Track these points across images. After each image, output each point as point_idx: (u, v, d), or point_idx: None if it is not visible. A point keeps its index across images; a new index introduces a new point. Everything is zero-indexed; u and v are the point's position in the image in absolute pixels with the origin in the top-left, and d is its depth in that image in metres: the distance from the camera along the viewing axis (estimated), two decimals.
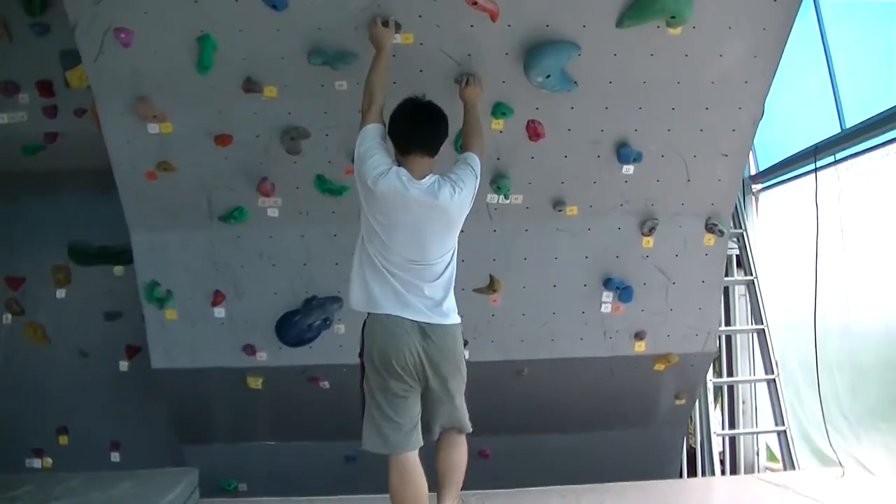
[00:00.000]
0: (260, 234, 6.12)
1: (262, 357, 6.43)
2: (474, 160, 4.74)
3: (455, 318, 4.72)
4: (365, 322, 4.72)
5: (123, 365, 7.47)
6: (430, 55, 5.23)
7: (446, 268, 4.67)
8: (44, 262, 7.48)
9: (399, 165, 4.52)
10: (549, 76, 5.29)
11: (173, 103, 5.57)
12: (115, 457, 7.64)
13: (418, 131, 4.56)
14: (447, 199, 4.50)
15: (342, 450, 6.92)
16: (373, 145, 4.56)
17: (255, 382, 6.56)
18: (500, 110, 5.55)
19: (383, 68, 4.86)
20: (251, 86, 5.45)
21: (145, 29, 5.25)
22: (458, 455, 5.02)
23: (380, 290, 4.61)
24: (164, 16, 5.20)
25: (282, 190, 5.94)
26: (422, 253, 4.55)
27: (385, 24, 4.97)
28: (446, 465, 5.00)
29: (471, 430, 4.94)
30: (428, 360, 4.62)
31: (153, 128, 5.65)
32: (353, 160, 5.34)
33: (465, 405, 4.88)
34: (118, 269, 7.32)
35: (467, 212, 4.65)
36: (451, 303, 4.70)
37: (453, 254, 4.71)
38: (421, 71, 5.10)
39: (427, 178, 4.52)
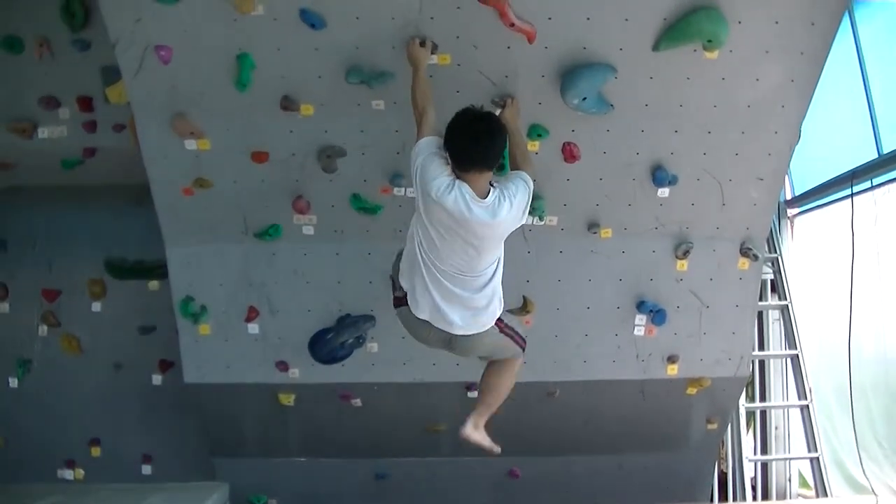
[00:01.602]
0: (295, 251, 6.14)
1: (294, 374, 6.45)
2: (527, 177, 4.69)
3: (491, 321, 4.82)
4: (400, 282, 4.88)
5: (156, 378, 7.53)
6: (467, 76, 5.24)
7: (492, 276, 4.72)
8: (80, 276, 7.55)
9: (458, 178, 4.49)
10: (585, 98, 5.29)
11: (211, 120, 5.62)
12: (146, 469, 7.66)
13: (477, 148, 4.45)
14: (504, 216, 4.49)
15: (373, 467, 6.99)
16: (429, 157, 4.51)
17: (287, 399, 6.58)
18: (535, 132, 5.54)
19: (422, 83, 4.85)
20: (288, 104, 5.49)
21: (185, 46, 5.30)
22: (496, 378, 5.19)
23: (421, 295, 4.73)
24: (203, 34, 5.24)
25: (317, 208, 5.96)
26: (471, 266, 4.62)
27: (422, 44, 4.99)
28: (483, 385, 5.26)
29: (522, 354, 5.10)
30: (455, 350, 5.00)
31: (190, 144, 5.70)
32: (389, 180, 5.40)
33: (506, 341, 4.99)
34: (153, 284, 7.38)
35: (520, 222, 4.65)
36: (493, 306, 4.79)
37: (500, 261, 4.76)
38: (458, 92, 5.11)
39: (490, 195, 4.48)
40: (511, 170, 4.90)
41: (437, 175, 4.44)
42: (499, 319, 4.86)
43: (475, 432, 5.19)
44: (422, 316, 4.77)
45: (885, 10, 7.07)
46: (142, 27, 5.22)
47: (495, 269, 4.72)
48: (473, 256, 4.58)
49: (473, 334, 4.79)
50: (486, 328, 4.79)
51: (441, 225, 4.53)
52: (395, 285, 4.98)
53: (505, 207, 4.48)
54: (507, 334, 4.96)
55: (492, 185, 4.52)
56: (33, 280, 7.58)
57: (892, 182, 6.96)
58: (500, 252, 4.72)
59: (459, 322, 4.72)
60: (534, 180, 4.72)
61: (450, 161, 4.48)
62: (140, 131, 5.73)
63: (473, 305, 4.70)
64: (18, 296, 7.62)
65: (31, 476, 7.37)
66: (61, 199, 7.45)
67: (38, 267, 7.59)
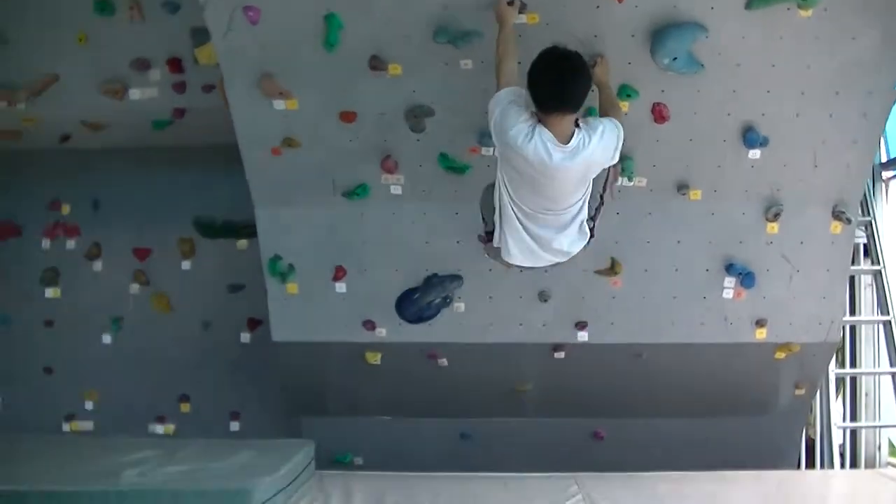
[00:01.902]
0: (382, 211, 6.16)
1: (381, 333, 6.49)
2: (617, 122, 4.65)
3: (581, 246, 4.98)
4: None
5: (245, 337, 7.69)
6: (556, 36, 5.13)
7: (579, 212, 4.81)
8: (170, 235, 7.72)
9: (539, 121, 4.44)
10: (675, 58, 5.25)
11: (299, 81, 5.65)
12: (234, 426, 7.82)
13: (560, 89, 4.38)
14: (589, 155, 4.47)
15: (458, 427, 7.02)
16: (508, 105, 4.48)
17: (374, 358, 6.64)
18: (625, 92, 5.48)
19: (508, 40, 4.79)
20: (377, 63, 5.50)
21: (273, 7, 5.35)
22: None
23: (513, 243, 4.86)
24: None
25: (405, 168, 5.98)
26: (558, 204, 4.68)
27: (510, 3, 4.95)
28: None
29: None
30: None
31: (279, 104, 5.74)
32: (477, 139, 5.39)
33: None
34: (242, 243, 7.52)
35: (609, 160, 4.66)
36: (582, 239, 4.93)
37: (586, 197, 4.81)
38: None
39: (573, 138, 4.44)
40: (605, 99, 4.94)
41: (514, 123, 4.43)
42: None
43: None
44: (514, 262, 4.97)
45: None
46: None
47: (582, 206, 4.78)
48: (559, 197, 4.64)
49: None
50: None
51: (524, 172, 4.55)
52: (485, 220, 5.11)
53: (592, 145, 4.46)
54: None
55: (577, 126, 4.48)
56: (125, 239, 7.77)
57: None
58: (587, 188, 4.75)
59: (552, 258, 4.97)
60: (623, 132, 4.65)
61: (532, 104, 4.46)
62: (229, 92, 5.79)
63: (559, 248, 4.89)
64: (111, 254, 7.81)
65: (123, 430, 7.53)
66: (152, 159, 7.59)
67: (129, 227, 7.75)
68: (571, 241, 4.87)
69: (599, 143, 4.47)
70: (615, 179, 5.18)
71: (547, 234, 4.79)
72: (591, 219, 4.97)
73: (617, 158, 4.68)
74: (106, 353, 7.82)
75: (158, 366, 7.74)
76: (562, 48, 4.47)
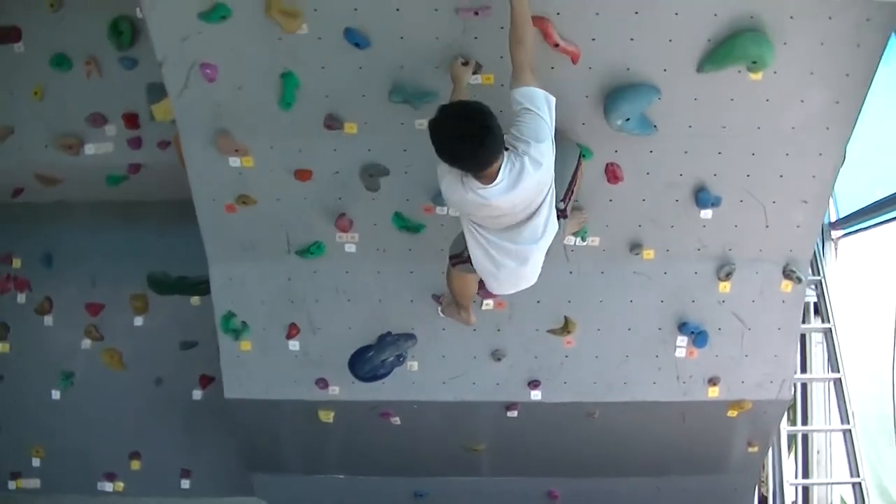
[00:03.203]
0: (337, 269, 6.14)
1: (334, 391, 6.46)
2: (533, 99, 4.39)
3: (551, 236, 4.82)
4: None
5: (197, 394, 7.63)
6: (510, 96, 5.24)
7: (548, 215, 4.67)
8: (123, 290, 7.63)
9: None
10: (628, 119, 5.27)
11: (255, 138, 5.65)
12: (185, 484, 7.76)
13: (463, 156, 4.28)
14: (528, 178, 4.33)
15: (412, 486, 7.01)
16: (441, 164, 4.42)
17: (327, 416, 6.61)
18: (580, 153, 5.50)
19: (458, 98, 4.73)
20: (332, 122, 5.50)
21: (230, 65, 5.34)
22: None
23: (492, 270, 4.83)
24: (248, 52, 5.28)
25: (360, 226, 5.96)
26: (520, 218, 4.60)
27: (465, 63, 4.99)
28: None
29: (562, 205, 4.98)
30: None
31: (234, 161, 5.72)
32: (432, 199, 5.44)
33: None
34: (195, 300, 7.44)
35: (553, 158, 4.48)
36: (549, 232, 4.75)
37: (548, 194, 4.63)
38: (501, 111, 5.06)
39: (500, 171, 4.28)
40: (512, 78, 4.54)
41: (443, 175, 4.43)
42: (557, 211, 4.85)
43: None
44: (505, 292, 5.07)
45: None
46: (188, 45, 5.26)
47: (548, 207, 4.65)
48: (518, 213, 4.56)
49: None
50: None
51: (474, 213, 4.56)
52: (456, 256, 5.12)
53: (527, 171, 4.31)
54: (569, 210, 5.06)
55: (504, 148, 4.33)
56: (77, 294, 7.67)
57: None
58: (545, 193, 4.59)
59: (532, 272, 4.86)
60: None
61: None
62: (185, 148, 5.77)
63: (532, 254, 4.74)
64: (62, 309, 7.71)
65: (71, 488, 7.46)
66: (106, 214, 7.52)
67: (81, 281, 7.66)
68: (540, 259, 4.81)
69: (536, 163, 4.32)
70: None
71: (512, 247, 4.69)
72: (562, 200, 4.93)
73: (552, 121, 4.44)
74: (55, 409, 7.71)
75: (109, 422, 7.67)
76: (459, 106, 4.36)
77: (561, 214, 4.92)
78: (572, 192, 5.10)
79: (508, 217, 4.54)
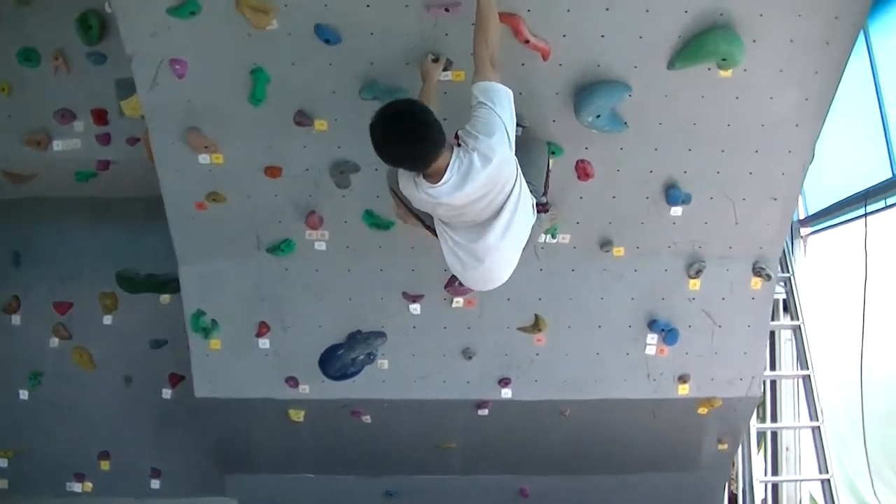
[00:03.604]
0: (307, 267, 6.12)
1: (304, 390, 6.45)
2: (488, 92, 4.32)
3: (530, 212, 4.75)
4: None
5: (167, 393, 7.55)
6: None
7: (510, 224, 4.54)
8: (92, 289, 7.55)
9: None
10: (598, 116, 5.28)
11: (225, 135, 5.62)
12: (155, 484, 7.69)
13: (400, 156, 4.28)
14: (478, 176, 4.23)
15: (383, 485, 7.00)
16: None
17: (298, 415, 6.59)
18: (549, 149, 5.49)
19: (427, 95, 4.72)
20: (302, 119, 5.49)
21: (200, 61, 5.33)
22: None
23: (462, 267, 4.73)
24: (218, 49, 5.26)
25: (330, 223, 5.95)
26: (481, 217, 4.51)
27: (435, 60, 4.97)
28: None
29: (544, 199, 5.03)
30: None
31: (204, 158, 5.70)
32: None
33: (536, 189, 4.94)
34: (165, 298, 7.39)
35: (508, 150, 4.33)
36: (526, 213, 4.67)
37: (516, 189, 4.49)
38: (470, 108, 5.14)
39: (448, 169, 4.22)
40: (474, 71, 4.48)
41: (400, 175, 4.45)
42: (538, 207, 4.85)
43: None
44: (478, 289, 5.06)
45: None
46: (157, 41, 5.24)
47: (514, 204, 4.52)
48: (480, 211, 4.46)
49: None
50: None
51: (433, 212, 4.56)
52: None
53: (475, 168, 4.21)
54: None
55: (455, 140, 4.29)
56: (45, 293, 7.58)
57: None
58: (508, 190, 4.45)
59: (500, 271, 4.76)
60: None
61: None
62: (154, 145, 5.73)
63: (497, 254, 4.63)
64: (30, 308, 7.62)
65: (39, 488, 7.39)
66: (75, 211, 7.45)
67: (50, 280, 7.58)
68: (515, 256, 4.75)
69: (488, 158, 4.22)
70: None
71: (485, 246, 4.58)
72: (543, 195, 4.98)
73: (512, 120, 4.36)
74: (23, 410, 7.63)
75: (77, 422, 7.58)
76: (393, 106, 4.25)
77: (542, 209, 4.91)
78: (548, 186, 5.09)
79: (470, 214, 4.47)
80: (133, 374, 7.58)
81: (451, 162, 4.22)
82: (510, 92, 4.40)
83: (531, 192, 4.73)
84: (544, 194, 5.00)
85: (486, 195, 4.37)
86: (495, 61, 4.45)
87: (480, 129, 4.25)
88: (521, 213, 4.58)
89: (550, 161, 5.33)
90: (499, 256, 4.63)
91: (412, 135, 4.13)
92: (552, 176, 5.33)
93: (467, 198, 4.32)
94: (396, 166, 4.35)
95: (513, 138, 4.35)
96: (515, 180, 4.46)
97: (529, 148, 5.07)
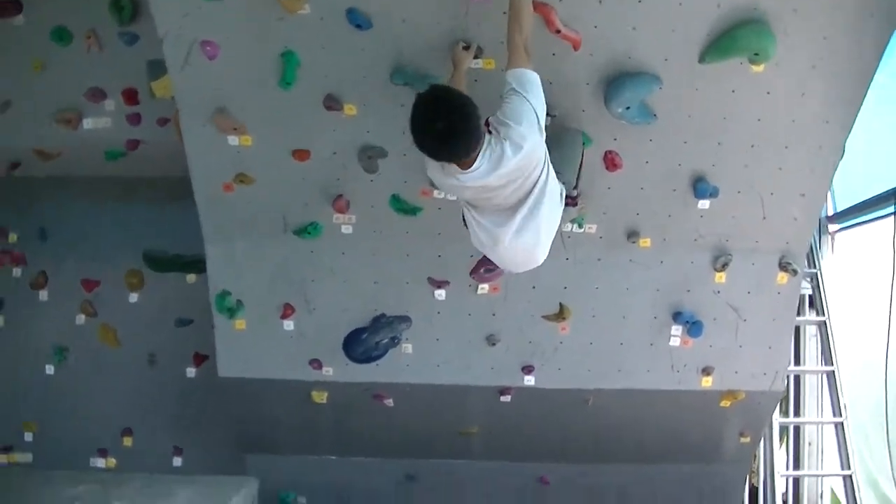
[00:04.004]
0: (333, 250, 6.15)
1: (328, 372, 6.48)
2: (521, 80, 4.31)
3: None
4: None
5: (191, 371, 7.62)
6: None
7: (538, 202, 4.50)
8: (119, 267, 7.62)
9: None
10: (629, 108, 5.27)
11: (254, 117, 5.64)
12: (177, 461, 7.75)
13: (440, 153, 4.20)
14: (508, 163, 4.21)
15: (403, 468, 7.01)
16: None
17: (320, 397, 6.62)
18: (583, 141, 5.49)
19: (457, 83, 4.70)
20: (332, 103, 5.49)
21: (231, 43, 5.34)
22: None
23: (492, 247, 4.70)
24: (249, 31, 5.27)
25: (357, 207, 5.97)
26: (508, 202, 4.48)
27: (466, 47, 4.96)
28: None
29: (574, 192, 5.04)
30: None
31: (233, 140, 5.72)
32: (430, 182, 5.42)
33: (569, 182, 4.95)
34: (191, 277, 7.45)
35: (538, 137, 4.31)
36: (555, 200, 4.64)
37: (543, 175, 4.46)
38: (501, 96, 5.12)
39: (479, 159, 4.19)
40: (509, 58, 4.47)
41: (428, 163, 4.37)
42: (567, 199, 4.81)
43: None
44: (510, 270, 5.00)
45: None
46: (189, 22, 5.25)
47: (539, 190, 4.49)
48: (508, 196, 4.44)
49: None
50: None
51: (460, 195, 4.58)
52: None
53: (507, 156, 4.19)
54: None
55: (486, 127, 4.25)
56: (73, 269, 7.67)
57: None
58: (536, 177, 4.44)
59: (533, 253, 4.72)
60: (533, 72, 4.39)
61: None
62: (184, 126, 5.76)
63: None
64: (58, 284, 7.71)
65: (63, 463, 7.44)
66: (103, 190, 7.52)
67: (77, 257, 7.66)
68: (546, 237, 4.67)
69: (518, 146, 4.21)
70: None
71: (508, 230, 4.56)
72: (574, 188, 4.98)
73: (543, 107, 4.33)
74: (48, 384, 7.72)
75: (102, 398, 7.66)
76: (433, 93, 4.21)
77: (571, 202, 4.91)
78: (580, 179, 5.09)
79: (498, 199, 4.45)
80: (158, 352, 7.65)
81: (482, 149, 4.19)
82: (539, 79, 4.37)
83: (562, 182, 4.72)
84: (575, 187, 4.99)
85: (515, 181, 4.36)
86: (529, 49, 4.45)
87: (511, 116, 4.24)
88: (549, 201, 4.55)
89: (584, 153, 5.32)
90: (521, 242, 4.60)
91: (453, 134, 4.06)
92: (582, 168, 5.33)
93: (496, 182, 4.30)
94: (437, 158, 4.26)
95: (542, 125, 4.32)
96: (543, 166, 4.45)
97: (564, 140, 5.09)
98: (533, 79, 4.34)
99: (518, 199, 4.47)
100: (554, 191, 4.60)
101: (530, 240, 4.62)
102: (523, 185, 4.42)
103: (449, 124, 4.03)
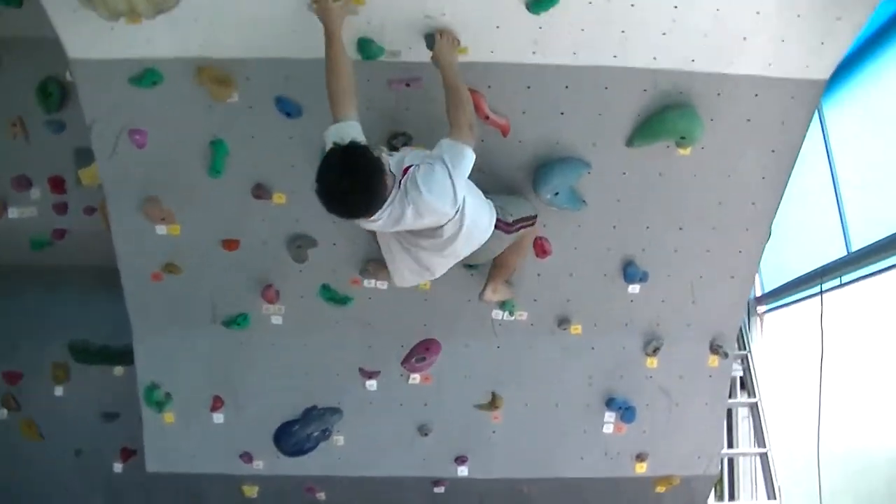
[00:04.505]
0: (262, 341, 6.06)
1: (259, 465, 6.36)
2: (457, 155, 4.30)
3: (486, 234, 4.73)
4: None
5: (118, 467, 7.38)
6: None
7: (459, 227, 4.49)
8: (44, 358, 7.40)
9: None
10: (557, 193, 5.30)
11: (183, 206, 5.60)
12: None
13: (339, 208, 4.14)
14: (407, 222, 4.30)
15: None
16: None
17: (251, 491, 6.50)
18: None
19: (336, 58, 4.44)
20: (261, 192, 5.48)
21: (159, 131, 5.33)
22: (510, 254, 5.20)
23: (396, 263, 4.81)
24: (178, 119, 5.27)
25: (286, 297, 5.91)
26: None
27: (394, 137, 5.01)
28: (497, 261, 5.29)
29: (510, 220, 4.94)
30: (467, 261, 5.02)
31: (161, 229, 5.66)
32: (359, 271, 5.40)
33: (518, 234, 5.04)
34: (118, 370, 7.26)
35: (448, 209, 4.35)
36: (481, 226, 4.66)
37: (462, 209, 4.43)
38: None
39: (379, 212, 4.19)
40: (452, 128, 4.44)
41: None
42: (499, 222, 4.78)
43: (495, 295, 5.47)
44: (406, 284, 4.93)
45: (853, 109, 7.16)
46: (117, 110, 5.24)
47: (455, 225, 4.48)
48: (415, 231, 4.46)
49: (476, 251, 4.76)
50: (486, 238, 4.72)
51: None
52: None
53: (406, 218, 4.26)
54: (515, 230, 4.94)
55: (403, 174, 4.24)
56: None
57: (861, 280, 7.01)
58: (452, 212, 4.40)
59: (439, 265, 4.78)
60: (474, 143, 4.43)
61: None
62: (111, 214, 5.70)
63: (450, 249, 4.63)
64: None
65: None
66: (28, 279, 7.34)
67: (0, 348, 7.46)
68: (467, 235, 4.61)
69: (417, 208, 4.23)
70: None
71: (433, 253, 4.66)
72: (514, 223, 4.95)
73: (462, 186, 4.34)
74: None
75: (26, 496, 7.43)
76: (338, 154, 4.05)
77: (505, 228, 4.87)
78: (522, 225, 5.03)
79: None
80: (84, 447, 7.43)
81: (384, 205, 4.18)
82: (473, 160, 4.39)
83: (498, 210, 4.80)
84: (512, 224, 4.94)
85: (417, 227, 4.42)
86: (473, 127, 4.47)
87: (426, 182, 4.22)
88: (465, 235, 4.56)
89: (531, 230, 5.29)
90: (439, 260, 4.75)
91: (360, 197, 4.07)
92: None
93: (395, 229, 4.39)
94: (331, 212, 4.17)
95: (459, 199, 4.33)
96: (456, 215, 4.43)
97: (520, 197, 5.23)
98: (467, 158, 4.34)
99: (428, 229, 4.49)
100: (477, 222, 4.61)
101: (450, 260, 4.78)
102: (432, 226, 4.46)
103: (354, 188, 4.01)
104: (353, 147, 4.04)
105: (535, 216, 5.17)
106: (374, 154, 4.11)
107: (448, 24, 4.80)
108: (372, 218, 4.21)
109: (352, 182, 3.99)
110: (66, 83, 5.94)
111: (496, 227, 4.77)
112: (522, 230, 5.02)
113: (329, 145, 4.17)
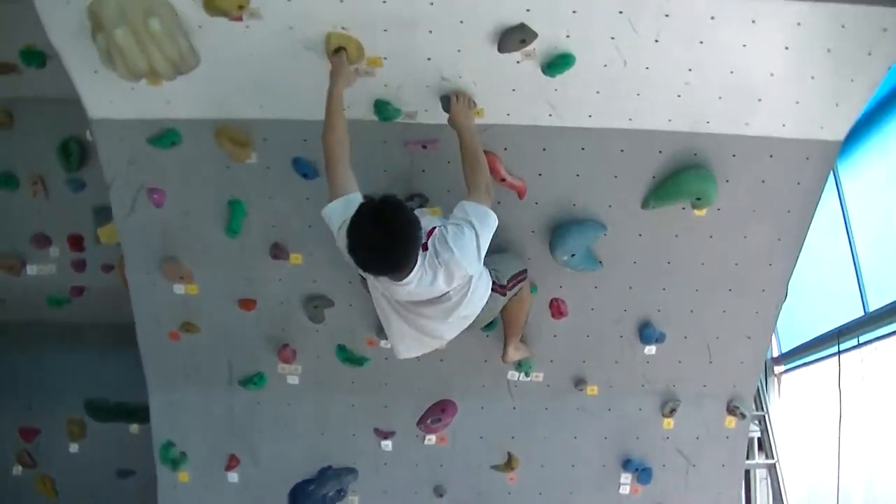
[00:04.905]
0: (278, 400, 6.06)
1: None
2: (482, 218, 4.31)
3: (483, 301, 4.71)
4: None
5: None
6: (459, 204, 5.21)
7: (457, 308, 4.54)
8: (60, 415, 7.45)
9: None
10: (573, 255, 5.31)
11: (200, 265, 5.63)
12: None
13: (375, 269, 4.13)
14: (437, 287, 4.26)
15: None
16: (340, 226, 4.12)
17: None
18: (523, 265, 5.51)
19: (334, 115, 4.44)
20: (278, 252, 5.51)
21: (177, 191, 5.38)
22: (513, 309, 5.20)
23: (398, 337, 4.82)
24: (196, 179, 5.32)
25: (302, 357, 5.92)
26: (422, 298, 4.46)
27: (410, 198, 5.04)
28: (504, 318, 5.29)
29: (504, 281, 4.91)
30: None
31: (179, 288, 5.70)
32: (376, 332, 5.41)
33: (513, 292, 5.03)
34: (134, 427, 7.30)
35: (476, 267, 4.36)
36: (478, 296, 4.65)
37: (471, 282, 4.48)
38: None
39: (410, 275, 4.12)
40: (471, 191, 4.46)
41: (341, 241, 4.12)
42: (495, 285, 4.77)
43: (516, 353, 5.46)
44: (409, 355, 4.89)
45: (869, 170, 7.17)
46: (136, 169, 5.30)
47: (460, 293, 4.48)
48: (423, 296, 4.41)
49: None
50: (485, 302, 4.70)
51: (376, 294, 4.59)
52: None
53: (438, 283, 4.22)
54: (510, 289, 4.92)
55: (428, 237, 4.20)
56: (11, 418, 7.48)
57: (878, 340, 6.97)
58: (476, 274, 4.47)
59: (448, 331, 4.74)
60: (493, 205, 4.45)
61: None
62: (129, 273, 5.73)
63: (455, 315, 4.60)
64: None
65: None
66: (45, 336, 7.37)
67: (16, 405, 7.48)
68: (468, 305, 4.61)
69: (449, 269, 4.20)
70: None
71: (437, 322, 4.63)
72: (506, 283, 4.92)
73: (485, 247, 4.32)
74: None
75: None
76: (386, 206, 3.94)
77: (500, 290, 4.86)
78: (515, 282, 5.02)
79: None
80: None
81: (415, 268, 4.12)
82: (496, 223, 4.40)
83: (492, 272, 4.80)
84: (507, 284, 4.93)
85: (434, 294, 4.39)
86: (490, 190, 4.48)
87: (460, 246, 4.20)
88: (468, 301, 4.55)
89: (528, 295, 5.31)
90: (443, 329, 4.72)
91: (395, 253, 3.97)
92: (528, 311, 5.37)
93: (420, 296, 4.35)
94: (362, 269, 4.16)
95: (482, 258, 4.35)
96: (470, 279, 4.45)
97: (506, 254, 5.21)
98: (492, 220, 4.35)
99: (434, 297, 4.44)
100: (477, 287, 4.60)
101: (450, 332, 4.77)
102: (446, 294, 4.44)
103: (390, 244, 3.92)
104: (390, 199, 3.98)
105: (526, 270, 5.17)
106: (409, 207, 4.19)
107: (464, 87, 4.84)
108: (404, 281, 4.17)
109: (390, 233, 3.89)
110: (87, 142, 5.99)
111: (493, 290, 4.79)
112: (516, 286, 5.03)
113: (335, 224, 4.18)
